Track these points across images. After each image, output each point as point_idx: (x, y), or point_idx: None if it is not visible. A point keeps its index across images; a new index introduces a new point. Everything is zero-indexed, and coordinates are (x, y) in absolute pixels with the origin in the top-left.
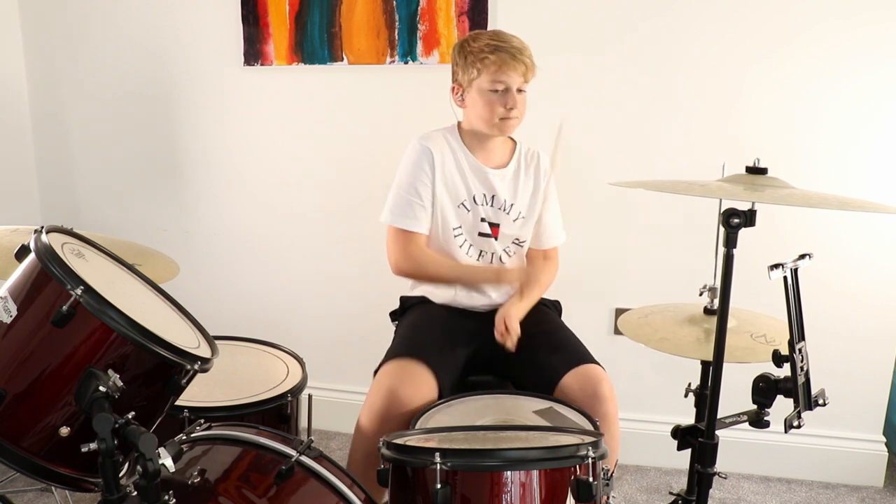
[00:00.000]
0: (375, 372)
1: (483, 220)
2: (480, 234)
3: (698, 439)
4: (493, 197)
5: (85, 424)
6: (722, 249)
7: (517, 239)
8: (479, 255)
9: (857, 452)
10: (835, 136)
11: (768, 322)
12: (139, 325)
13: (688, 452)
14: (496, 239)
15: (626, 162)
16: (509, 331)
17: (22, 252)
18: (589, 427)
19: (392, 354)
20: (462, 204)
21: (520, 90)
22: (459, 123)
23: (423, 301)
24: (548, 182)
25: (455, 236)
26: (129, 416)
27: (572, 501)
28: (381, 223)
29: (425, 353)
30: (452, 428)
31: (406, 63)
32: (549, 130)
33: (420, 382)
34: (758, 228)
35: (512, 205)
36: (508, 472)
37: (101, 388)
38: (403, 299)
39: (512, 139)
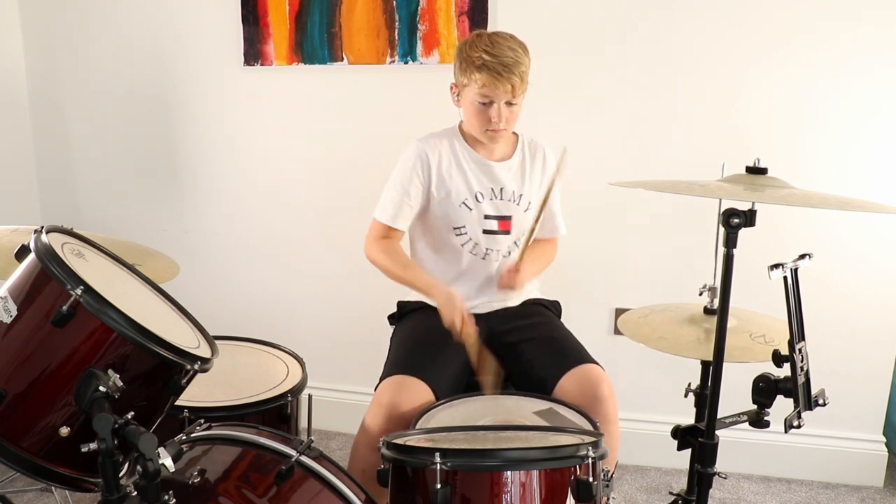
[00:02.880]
0: (376, 388)
1: (487, 217)
2: (485, 232)
3: (698, 439)
4: (501, 189)
5: (85, 424)
6: (722, 249)
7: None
8: (486, 253)
9: (857, 452)
10: (835, 136)
11: (768, 322)
12: (139, 325)
13: (688, 452)
14: (508, 233)
15: (626, 162)
16: (517, 277)
17: (22, 252)
18: (589, 427)
19: (390, 370)
20: (464, 203)
21: (509, 103)
22: (461, 123)
23: (420, 307)
24: (551, 175)
25: (457, 235)
26: (129, 416)
27: (572, 501)
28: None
29: (422, 366)
30: (452, 428)
31: (406, 63)
32: (545, 130)
33: (418, 397)
34: (758, 228)
35: (521, 195)
36: (508, 472)
37: (101, 388)
38: (401, 304)
39: (514, 132)
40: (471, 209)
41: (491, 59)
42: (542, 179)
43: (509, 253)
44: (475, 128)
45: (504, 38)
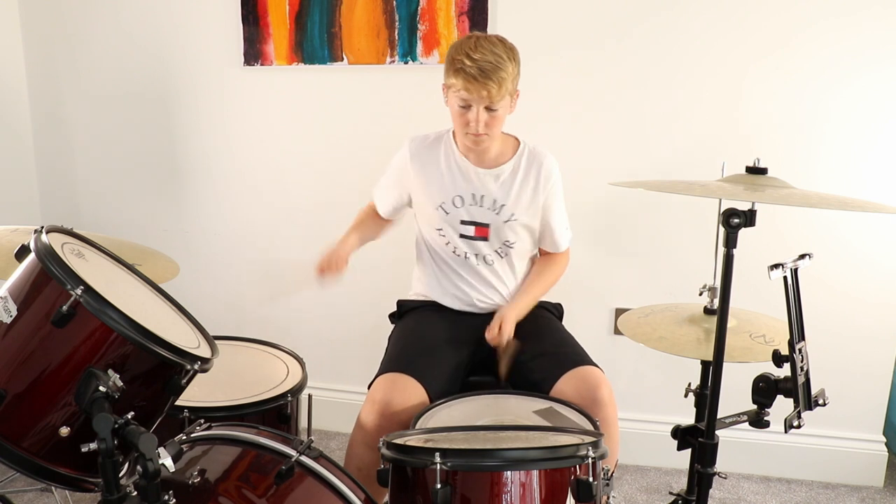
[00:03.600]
0: (369, 386)
1: (463, 222)
2: (462, 237)
3: (698, 439)
4: (482, 197)
5: (85, 424)
6: (722, 249)
7: (507, 241)
8: (465, 256)
9: (857, 452)
10: (835, 136)
11: (768, 322)
12: (139, 325)
13: (688, 452)
14: (486, 240)
15: (626, 162)
16: (501, 332)
17: (22, 252)
18: (589, 427)
19: (383, 369)
20: (441, 206)
21: (489, 108)
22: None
23: (419, 305)
24: (552, 187)
25: (440, 236)
26: (129, 416)
27: (572, 501)
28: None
29: (414, 365)
30: (452, 428)
31: (406, 63)
32: (545, 130)
33: (409, 395)
34: (758, 228)
35: (503, 206)
36: (508, 472)
37: (101, 388)
38: (401, 303)
39: (516, 138)
40: (447, 213)
41: (469, 64)
42: (535, 191)
43: (487, 261)
44: (458, 131)
45: (491, 42)
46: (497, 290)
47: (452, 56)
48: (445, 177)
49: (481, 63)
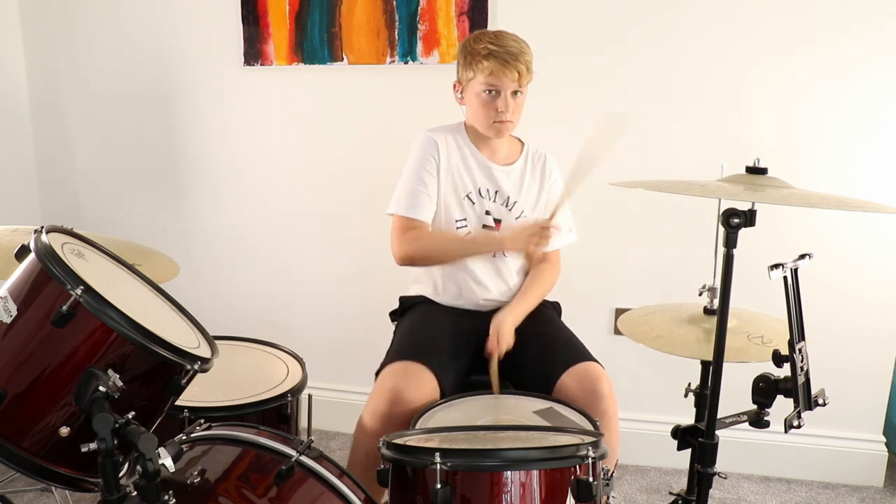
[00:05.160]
0: (377, 373)
1: (488, 213)
2: (485, 227)
3: (698, 439)
4: (496, 192)
5: (85, 424)
6: (722, 249)
7: None
8: None
9: (857, 452)
10: (835, 136)
11: (768, 322)
12: (139, 325)
13: (688, 452)
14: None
15: (626, 162)
16: (500, 342)
17: (22, 252)
18: (589, 427)
19: (394, 356)
20: (468, 196)
21: (515, 92)
22: (465, 121)
23: (422, 301)
24: (552, 185)
25: (458, 228)
26: (129, 416)
27: (572, 501)
28: (386, 215)
29: (427, 354)
30: (452, 428)
31: (406, 63)
32: (546, 130)
33: (422, 384)
34: (758, 228)
35: (515, 202)
36: (508, 472)
37: (101, 388)
38: (403, 299)
39: (519, 140)
40: (473, 203)
41: (497, 49)
42: (540, 189)
43: (506, 254)
44: (481, 121)
45: (507, 33)
46: (506, 283)
47: (473, 48)
48: (472, 168)
49: (508, 48)
